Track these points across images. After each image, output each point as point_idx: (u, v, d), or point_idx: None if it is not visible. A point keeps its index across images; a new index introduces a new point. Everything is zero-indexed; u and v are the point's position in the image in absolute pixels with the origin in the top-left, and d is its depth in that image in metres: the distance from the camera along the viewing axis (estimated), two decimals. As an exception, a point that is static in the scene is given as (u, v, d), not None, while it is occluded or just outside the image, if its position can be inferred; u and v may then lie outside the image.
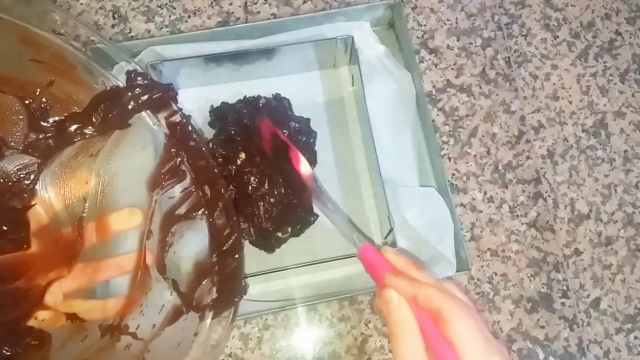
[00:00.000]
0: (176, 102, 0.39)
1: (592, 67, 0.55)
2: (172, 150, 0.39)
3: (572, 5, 0.57)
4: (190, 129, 0.39)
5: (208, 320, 0.37)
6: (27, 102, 0.36)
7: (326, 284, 0.48)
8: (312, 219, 0.47)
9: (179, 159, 0.39)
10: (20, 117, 0.36)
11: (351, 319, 0.48)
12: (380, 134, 0.47)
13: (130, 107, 0.37)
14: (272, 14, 0.55)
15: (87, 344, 0.37)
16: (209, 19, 0.55)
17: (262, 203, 0.45)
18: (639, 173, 0.53)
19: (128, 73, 0.38)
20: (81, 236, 0.38)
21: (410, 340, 0.28)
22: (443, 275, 0.45)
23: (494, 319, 0.48)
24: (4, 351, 0.34)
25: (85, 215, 0.39)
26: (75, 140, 0.37)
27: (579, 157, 0.53)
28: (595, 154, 0.53)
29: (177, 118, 0.39)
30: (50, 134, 0.36)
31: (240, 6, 0.55)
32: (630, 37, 0.56)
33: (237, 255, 0.39)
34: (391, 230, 0.44)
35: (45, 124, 0.36)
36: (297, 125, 0.48)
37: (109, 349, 0.37)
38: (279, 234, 0.46)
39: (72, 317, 0.37)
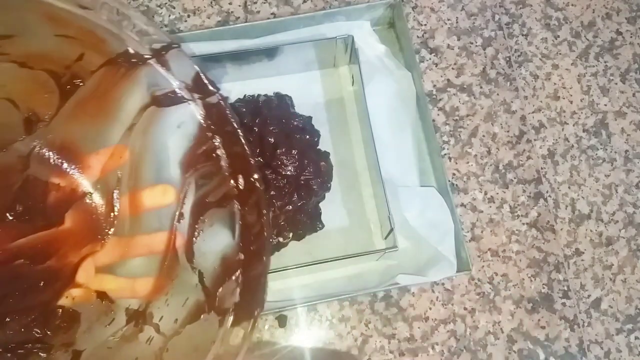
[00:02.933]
0: (213, 83, 0.38)
1: (592, 67, 0.55)
2: (208, 132, 0.37)
3: (572, 5, 0.57)
4: (227, 112, 0.37)
5: (227, 327, 0.36)
6: (58, 76, 0.35)
7: (326, 285, 0.47)
8: (318, 226, 0.47)
9: (214, 142, 0.37)
10: (52, 91, 0.36)
11: (351, 319, 0.48)
12: (380, 133, 0.47)
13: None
14: (272, 14, 0.55)
15: (112, 329, 0.37)
16: (209, 18, 0.55)
17: (272, 209, 0.44)
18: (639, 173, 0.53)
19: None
20: (114, 210, 0.38)
21: None
22: (443, 276, 0.45)
23: (495, 319, 0.48)
24: (35, 333, 0.34)
25: (118, 189, 0.38)
26: None
27: (580, 157, 0.53)
28: (596, 154, 0.53)
29: (214, 99, 0.37)
30: None
31: (239, 6, 0.55)
32: (631, 37, 0.56)
33: (264, 258, 0.37)
34: (391, 230, 0.44)
35: None
36: (300, 123, 0.48)
37: (132, 339, 0.36)
38: (281, 239, 0.45)
39: (102, 295, 0.37)
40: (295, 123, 0.48)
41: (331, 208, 0.48)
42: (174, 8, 0.55)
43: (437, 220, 0.46)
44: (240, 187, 0.37)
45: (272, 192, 0.45)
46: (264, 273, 0.37)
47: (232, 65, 0.49)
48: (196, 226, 0.38)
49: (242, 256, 0.37)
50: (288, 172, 0.45)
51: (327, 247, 0.47)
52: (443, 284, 0.49)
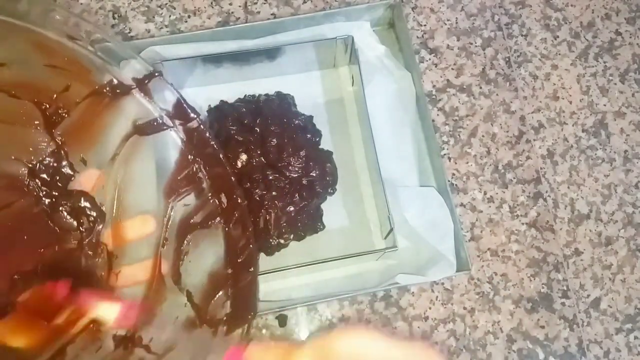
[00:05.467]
0: (192, 108, 0.39)
1: (592, 67, 0.55)
2: (189, 156, 0.38)
3: (572, 5, 0.57)
4: (207, 135, 0.39)
5: (220, 337, 0.36)
6: (43, 107, 0.36)
7: (326, 284, 0.48)
8: (319, 226, 0.47)
9: (195, 166, 0.38)
10: (37, 122, 0.36)
11: (351, 319, 0.48)
12: (380, 134, 0.47)
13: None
14: (272, 14, 0.55)
15: (101, 355, 0.36)
16: (209, 19, 0.55)
17: (274, 211, 0.44)
18: (639, 173, 0.53)
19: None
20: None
21: None
22: (443, 276, 0.45)
23: (494, 318, 0.48)
24: None
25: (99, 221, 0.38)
26: None
27: (579, 157, 0.53)
28: (595, 154, 0.53)
29: (194, 124, 0.38)
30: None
31: (240, 6, 0.55)
32: (630, 37, 0.56)
33: (252, 269, 0.37)
34: (391, 230, 0.44)
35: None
36: (301, 122, 0.48)
37: None
38: (282, 241, 0.46)
39: (86, 326, 0.36)
40: (297, 122, 0.48)
41: (331, 208, 0.48)
42: (175, 9, 0.55)
43: (436, 220, 0.46)
44: (224, 205, 0.38)
45: (274, 193, 0.45)
46: (253, 281, 0.37)
47: (232, 65, 0.49)
48: (182, 248, 0.38)
49: (229, 270, 0.37)
50: (294, 175, 0.45)
51: (327, 247, 0.47)
52: (442, 283, 0.49)
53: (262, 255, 0.47)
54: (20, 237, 0.36)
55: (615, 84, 0.55)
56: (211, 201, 0.39)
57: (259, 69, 0.50)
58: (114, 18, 0.54)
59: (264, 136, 0.46)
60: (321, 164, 0.46)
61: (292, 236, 0.46)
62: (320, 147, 0.49)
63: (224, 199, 0.39)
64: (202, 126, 0.38)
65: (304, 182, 0.46)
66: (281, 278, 0.47)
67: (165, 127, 0.38)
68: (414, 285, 0.48)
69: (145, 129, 0.38)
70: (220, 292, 0.37)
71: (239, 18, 0.55)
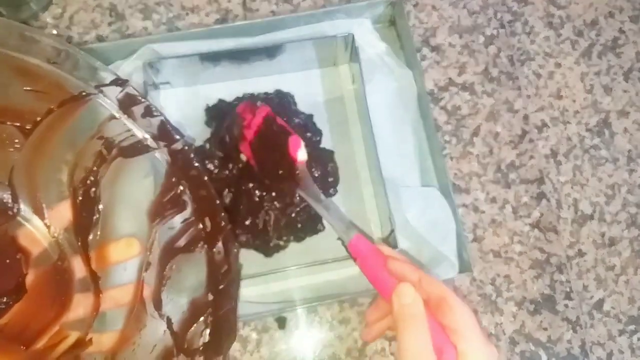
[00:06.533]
0: (177, 130, 0.39)
1: (595, 66, 0.54)
2: (174, 178, 0.38)
3: (575, 3, 0.56)
4: (192, 156, 0.38)
5: None
6: (26, 130, 0.35)
7: (326, 286, 0.47)
8: (319, 228, 0.46)
9: (180, 188, 0.38)
10: (18, 146, 0.36)
11: (352, 321, 0.47)
12: (381, 132, 0.47)
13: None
14: (271, 12, 0.54)
15: None
16: (207, 16, 0.54)
17: (273, 212, 0.44)
18: (643, 173, 0.52)
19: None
20: (71, 268, 0.38)
21: (422, 334, 0.30)
22: (445, 277, 0.45)
23: (497, 320, 0.48)
24: None
25: (68, 245, 0.38)
26: None
27: (583, 156, 0.52)
28: (599, 154, 0.52)
29: (178, 145, 0.38)
30: None
31: (239, 3, 0.54)
32: (634, 35, 0.55)
33: (233, 295, 0.37)
34: (392, 231, 0.44)
35: None
36: (301, 121, 0.48)
37: None
38: (281, 242, 0.45)
39: (66, 351, 0.36)
40: (297, 121, 0.47)
41: (331, 208, 0.48)
42: (172, 6, 0.54)
43: (438, 220, 0.46)
44: (207, 229, 0.38)
45: (274, 194, 0.44)
46: (233, 310, 0.37)
47: (230, 64, 0.49)
48: (164, 273, 0.38)
49: (210, 296, 0.37)
50: None
51: (327, 248, 0.46)
52: (444, 285, 0.48)
53: (261, 256, 0.46)
54: (2, 260, 0.36)
55: (619, 82, 0.54)
56: (195, 225, 0.38)
57: (258, 67, 0.50)
58: (110, 15, 0.54)
59: None
60: (323, 164, 0.46)
61: (291, 237, 0.45)
62: (321, 146, 0.48)
63: (208, 223, 0.38)
64: (186, 147, 0.38)
65: None
66: (281, 279, 0.46)
67: (149, 149, 0.38)
68: (415, 286, 0.47)
69: (130, 151, 0.38)
70: (200, 320, 0.37)
71: (238, 15, 0.54)
